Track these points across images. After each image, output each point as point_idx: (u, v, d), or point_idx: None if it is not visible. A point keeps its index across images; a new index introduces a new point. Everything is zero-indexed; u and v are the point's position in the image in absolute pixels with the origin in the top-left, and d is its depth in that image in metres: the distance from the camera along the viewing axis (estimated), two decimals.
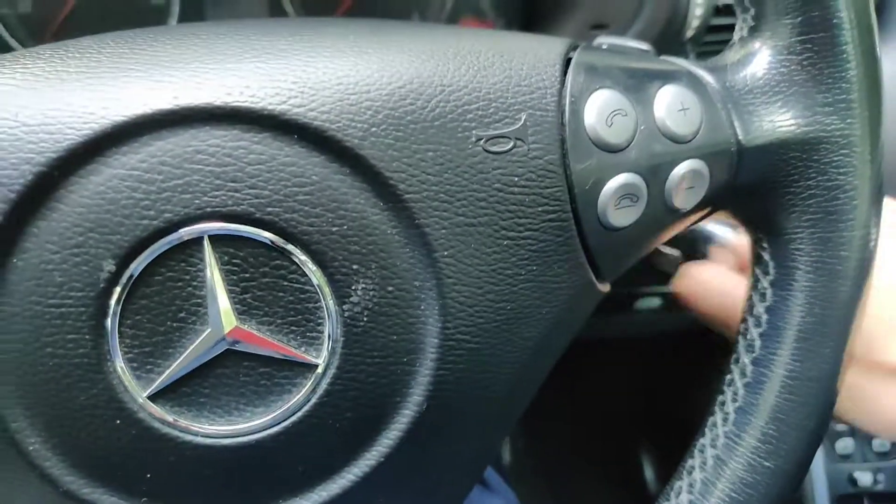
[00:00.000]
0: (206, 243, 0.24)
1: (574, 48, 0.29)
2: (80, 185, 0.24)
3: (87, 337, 0.24)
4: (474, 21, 0.67)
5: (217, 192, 0.24)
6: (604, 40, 0.34)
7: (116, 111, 0.24)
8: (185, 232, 0.24)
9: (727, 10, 0.58)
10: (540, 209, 0.27)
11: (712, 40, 0.59)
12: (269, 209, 0.25)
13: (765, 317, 0.31)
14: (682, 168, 0.29)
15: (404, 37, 0.28)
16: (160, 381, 0.25)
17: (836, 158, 0.28)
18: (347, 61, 0.26)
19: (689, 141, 0.29)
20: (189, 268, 0.25)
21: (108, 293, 0.24)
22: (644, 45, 0.34)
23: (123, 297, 0.24)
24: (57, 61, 0.25)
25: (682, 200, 0.29)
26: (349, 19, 0.32)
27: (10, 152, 0.23)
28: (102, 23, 0.61)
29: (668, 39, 0.57)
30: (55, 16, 0.60)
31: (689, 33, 0.57)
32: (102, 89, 0.24)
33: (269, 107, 0.24)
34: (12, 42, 0.59)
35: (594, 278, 0.29)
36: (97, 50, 0.26)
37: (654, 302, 0.70)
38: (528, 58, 0.28)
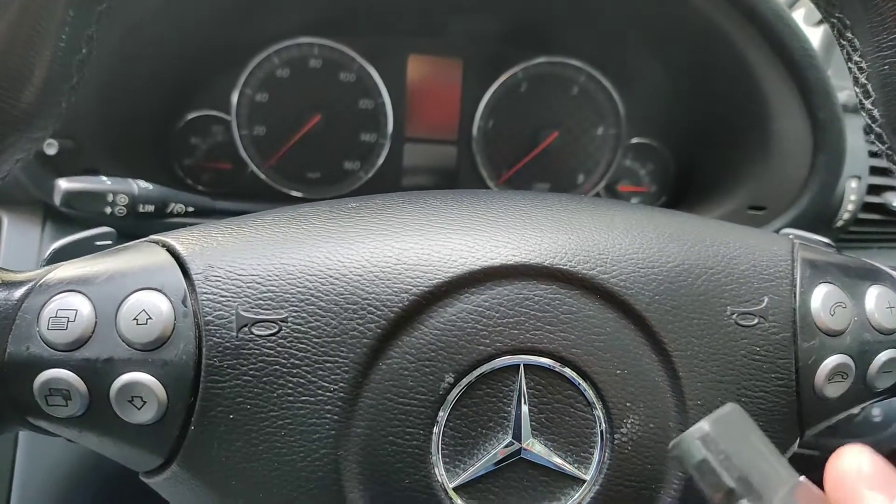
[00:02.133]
0: (521, 370, 0.31)
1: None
2: (438, 314, 0.31)
3: (421, 432, 0.30)
4: (632, 187, 0.76)
5: (536, 332, 0.31)
6: (790, 232, 0.41)
7: (471, 261, 0.31)
8: (509, 359, 0.31)
9: (874, 208, 0.65)
10: (773, 375, 0.33)
11: (857, 230, 0.66)
12: (573, 349, 0.31)
13: None
14: (885, 355, 0.35)
15: (673, 224, 0.35)
16: (465, 476, 0.31)
17: None
18: (636, 240, 0.33)
19: (892, 333, 0.35)
20: (503, 388, 0.31)
21: (443, 399, 0.31)
22: (826, 240, 0.41)
23: (452, 405, 0.31)
24: (419, 214, 0.33)
25: (881, 381, 0.35)
26: (616, 201, 0.39)
27: (392, 282, 0.31)
28: (320, 152, 0.72)
29: (819, 225, 0.64)
30: (284, 142, 0.71)
31: (839, 223, 0.64)
32: (461, 243, 0.32)
33: (582, 271, 0.32)
34: (246, 158, 0.70)
35: (799, 437, 0.34)
36: (449, 207, 0.34)
37: None
38: (765, 251, 0.35)
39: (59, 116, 0.31)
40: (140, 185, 0.49)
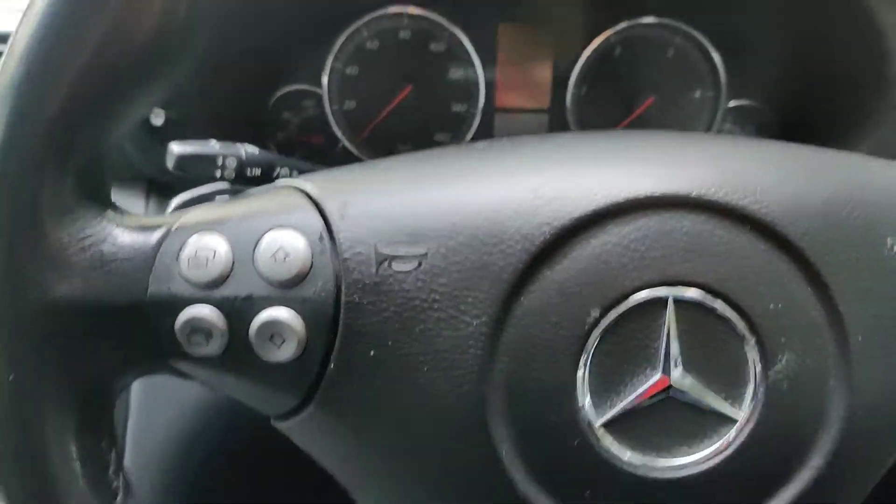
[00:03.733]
0: (670, 304, 0.30)
1: None
2: (581, 247, 0.30)
3: (566, 368, 0.29)
4: None
5: (685, 264, 0.29)
6: None
7: (615, 193, 0.30)
8: (657, 292, 0.29)
9: None
10: None
11: None
12: (725, 282, 0.29)
13: None
14: None
15: (824, 157, 0.33)
16: (613, 413, 0.30)
17: None
18: (787, 171, 0.31)
19: None
20: (651, 322, 0.30)
21: (588, 334, 0.29)
22: None
23: (597, 340, 0.29)
24: (556, 150, 0.32)
25: None
26: (759, 139, 0.37)
27: (533, 215, 0.30)
28: (411, 124, 0.71)
29: None
30: (374, 116, 0.71)
31: None
32: (603, 175, 0.31)
33: (733, 201, 0.30)
34: (337, 132, 0.71)
35: None
36: (586, 143, 0.33)
37: None
38: None
39: (196, 59, 0.31)
40: (247, 149, 0.49)
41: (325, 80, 0.69)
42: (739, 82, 0.71)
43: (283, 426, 0.33)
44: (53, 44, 0.27)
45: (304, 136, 0.71)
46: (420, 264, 0.29)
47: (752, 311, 0.30)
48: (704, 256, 0.30)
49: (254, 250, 0.30)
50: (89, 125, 0.29)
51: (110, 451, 0.32)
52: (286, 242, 0.30)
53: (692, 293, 0.30)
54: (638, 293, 0.29)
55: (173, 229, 0.31)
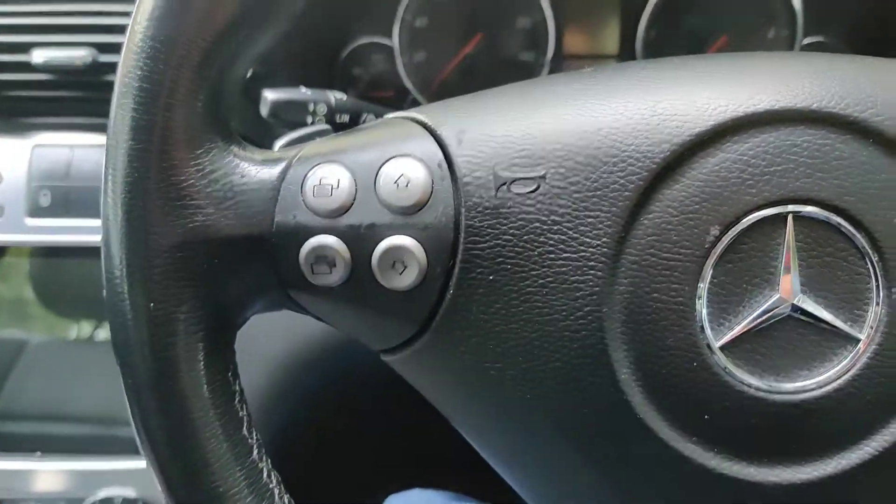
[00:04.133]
0: (790, 221, 0.29)
1: None
2: (700, 165, 0.30)
3: (686, 288, 0.30)
4: None
5: (806, 180, 0.29)
6: None
7: (733, 108, 0.30)
8: (776, 210, 0.29)
9: None
10: None
11: None
12: (846, 198, 0.29)
13: None
14: None
15: None
16: (732, 334, 0.30)
17: None
18: None
19: None
20: (770, 241, 0.30)
21: (708, 254, 0.29)
22: None
23: (717, 259, 0.30)
24: (667, 70, 0.32)
25: None
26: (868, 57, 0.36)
27: (651, 133, 0.30)
28: (480, 74, 0.71)
29: None
30: (443, 67, 0.71)
31: None
32: (719, 91, 0.30)
33: (854, 113, 0.29)
34: (408, 84, 0.71)
35: None
36: (695, 64, 0.32)
37: None
38: None
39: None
40: (336, 96, 0.50)
41: (395, 31, 0.70)
42: (815, 18, 0.69)
43: (393, 359, 0.34)
44: None
45: (375, 90, 0.72)
46: (539, 186, 0.30)
47: (875, 227, 0.29)
48: (825, 172, 0.29)
49: (375, 179, 0.31)
50: (218, 58, 0.30)
51: (235, 382, 0.33)
52: (406, 170, 0.30)
53: (813, 209, 0.29)
54: (758, 211, 0.29)
55: (296, 160, 0.32)
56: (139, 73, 0.29)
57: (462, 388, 0.34)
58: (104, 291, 0.31)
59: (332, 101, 0.49)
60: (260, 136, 0.56)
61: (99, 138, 0.65)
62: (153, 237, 0.29)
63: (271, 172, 0.31)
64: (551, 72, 0.71)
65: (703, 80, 0.31)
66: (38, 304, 0.77)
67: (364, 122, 0.52)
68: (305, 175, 0.31)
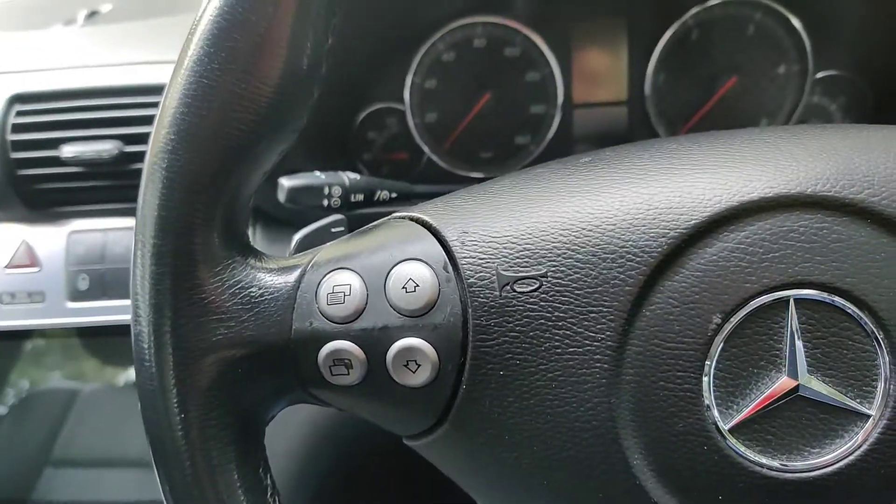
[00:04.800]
0: (792, 305, 0.30)
1: None
2: (698, 255, 0.30)
3: (692, 375, 0.30)
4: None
5: (805, 264, 0.30)
6: None
7: (727, 198, 0.30)
8: (777, 295, 0.30)
9: None
10: None
11: None
12: (847, 279, 0.29)
13: None
14: None
15: None
16: (741, 417, 0.30)
17: None
18: None
19: None
20: (773, 324, 0.30)
21: (711, 341, 0.30)
22: None
23: (721, 346, 0.30)
24: (660, 158, 0.33)
25: None
26: (863, 125, 0.37)
27: (648, 228, 0.30)
28: (492, 129, 0.73)
29: None
30: (455, 126, 0.73)
31: None
32: (712, 181, 0.31)
33: (850, 196, 0.30)
34: (421, 144, 0.73)
35: None
36: (688, 148, 0.33)
37: None
38: None
39: (311, 107, 0.33)
40: (350, 177, 0.52)
41: (406, 95, 0.72)
42: (826, 52, 0.69)
43: (415, 444, 0.35)
44: (196, 110, 0.30)
45: (390, 153, 0.73)
46: (541, 284, 0.31)
47: (878, 306, 0.29)
48: (824, 255, 0.30)
49: (385, 283, 0.32)
50: (231, 180, 0.32)
51: (266, 476, 0.35)
52: (414, 274, 0.32)
53: (814, 292, 0.30)
54: (759, 297, 0.30)
55: (309, 268, 0.33)
56: (157, 202, 0.31)
57: (482, 474, 0.34)
58: (139, 404, 0.32)
59: (346, 182, 0.51)
60: (278, 209, 0.57)
61: (129, 221, 0.68)
62: (180, 353, 0.31)
63: (287, 281, 0.33)
64: (562, 121, 0.72)
65: (696, 167, 0.32)
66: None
67: (378, 199, 0.53)
68: (319, 282, 0.33)
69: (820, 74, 0.70)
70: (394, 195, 0.54)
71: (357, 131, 0.73)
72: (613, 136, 0.73)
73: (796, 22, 0.68)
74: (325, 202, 0.50)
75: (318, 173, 0.50)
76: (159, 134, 0.31)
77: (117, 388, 0.83)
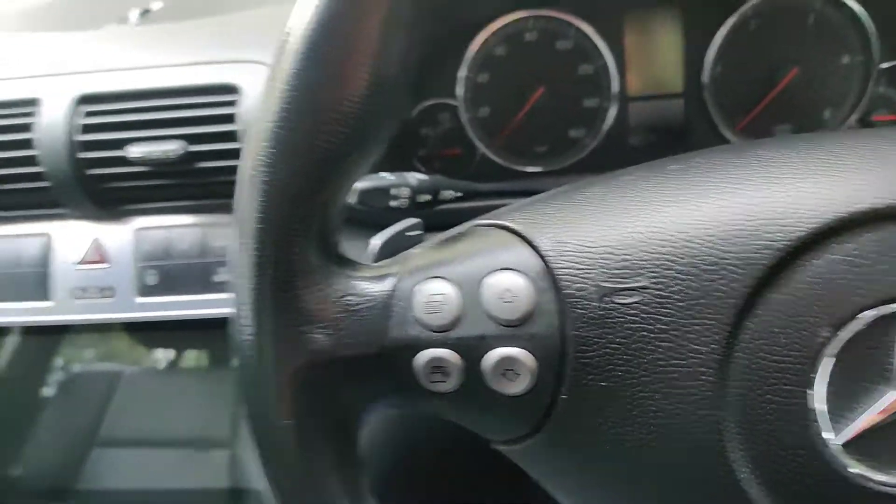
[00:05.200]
0: None
1: None
2: (804, 268, 0.30)
3: (800, 389, 0.30)
4: (889, 116, 0.69)
5: None
6: None
7: (834, 210, 0.30)
8: (888, 309, 0.29)
9: None
10: None
11: None
12: None
13: None
14: None
15: None
16: (852, 432, 0.30)
17: None
18: None
19: None
20: (884, 338, 0.29)
21: (819, 355, 0.29)
22: None
23: (830, 359, 0.29)
24: (756, 166, 0.32)
25: None
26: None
27: (750, 241, 0.30)
28: (545, 124, 0.72)
29: None
30: (508, 120, 0.72)
31: None
32: (816, 190, 0.30)
33: None
34: (474, 139, 0.72)
35: None
36: (785, 155, 0.32)
37: None
38: None
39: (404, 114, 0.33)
40: (416, 177, 0.51)
41: (459, 90, 0.71)
42: (891, 42, 0.67)
43: (507, 449, 0.35)
44: (293, 124, 0.30)
45: (443, 149, 0.73)
46: (642, 297, 0.30)
47: None
48: None
49: (480, 292, 0.32)
50: (325, 191, 0.32)
51: (363, 482, 0.35)
52: (511, 284, 0.31)
53: None
54: (869, 310, 0.29)
55: (401, 276, 0.33)
56: (255, 214, 0.31)
57: (575, 484, 0.34)
58: (245, 411, 0.33)
59: (413, 182, 0.51)
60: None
61: (192, 218, 0.69)
62: (282, 363, 0.31)
63: (382, 288, 0.33)
64: (617, 115, 0.71)
65: (797, 175, 0.31)
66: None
67: (443, 199, 0.53)
68: (413, 290, 0.33)
69: (885, 65, 0.68)
70: (458, 194, 0.54)
71: (411, 128, 0.73)
72: (670, 128, 0.72)
73: (859, 10, 0.66)
74: (394, 203, 0.50)
75: (385, 174, 0.50)
76: (257, 146, 0.31)
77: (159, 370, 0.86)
